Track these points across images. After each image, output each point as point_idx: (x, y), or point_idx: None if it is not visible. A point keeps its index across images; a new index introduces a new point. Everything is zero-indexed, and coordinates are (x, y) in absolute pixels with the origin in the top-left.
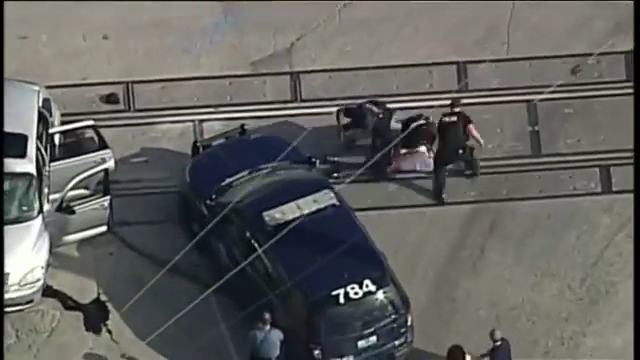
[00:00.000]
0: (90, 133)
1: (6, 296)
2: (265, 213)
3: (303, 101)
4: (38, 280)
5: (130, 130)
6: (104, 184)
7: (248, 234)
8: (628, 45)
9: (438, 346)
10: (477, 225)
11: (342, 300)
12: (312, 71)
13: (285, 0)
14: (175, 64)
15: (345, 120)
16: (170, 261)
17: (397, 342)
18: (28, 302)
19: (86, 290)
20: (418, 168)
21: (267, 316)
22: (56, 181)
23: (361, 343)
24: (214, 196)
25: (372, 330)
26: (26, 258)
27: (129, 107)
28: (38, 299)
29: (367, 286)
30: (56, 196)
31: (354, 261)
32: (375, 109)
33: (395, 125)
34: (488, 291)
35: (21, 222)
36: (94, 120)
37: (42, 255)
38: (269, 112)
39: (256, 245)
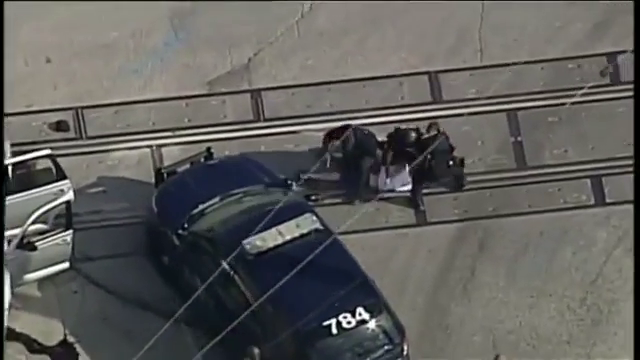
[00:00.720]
0: (46, 163)
1: None
2: (245, 241)
3: (267, 120)
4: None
5: (84, 159)
6: (66, 217)
7: (227, 265)
8: (609, 47)
9: None
10: (465, 245)
11: (335, 330)
12: (274, 88)
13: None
14: (126, 87)
15: (333, 142)
16: (139, 297)
17: None
18: None
19: (52, 332)
20: (400, 188)
21: (256, 351)
22: (12, 216)
23: None
24: (186, 225)
25: None
26: None
27: (81, 135)
28: None
29: (360, 314)
30: (14, 232)
31: (344, 288)
32: (361, 128)
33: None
34: (482, 315)
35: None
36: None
37: (5, 295)
38: (231, 134)
39: (236, 276)
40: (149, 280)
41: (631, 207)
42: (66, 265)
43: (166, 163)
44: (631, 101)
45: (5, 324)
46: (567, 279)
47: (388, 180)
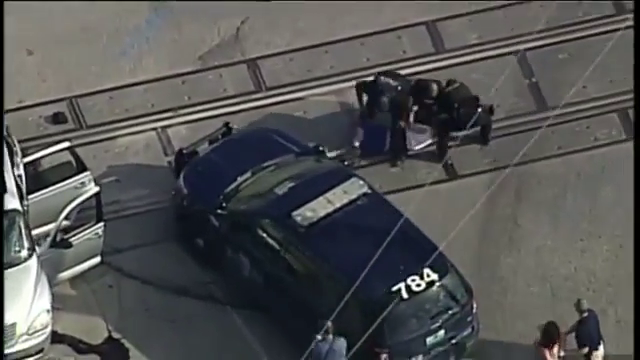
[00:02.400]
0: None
1: (15, 348)
2: (294, 213)
3: (269, 89)
4: (47, 326)
5: (89, 149)
6: (97, 209)
7: (278, 239)
8: None
9: (500, 332)
10: (501, 195)
11: (405, 295)
12: (269, 56)
13: None
14: (116, 70)
15: (364, 96)
16: (176, 283)
17: (465, 333)
18: (39, 351)
19: (95, 329)
20: (424, 144)
21: (329, 324)
22: (36, 215)
23: (430, 339)
24: (224, 204)
25: (440, 324)
26: (30, 303)
27: (81, 125)
28: (48, 347)
29: (428, 275)
30: (43, 230)
31: (407, 250)
32: (392, 82)
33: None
34: (534, 264)
35: (16, 265)
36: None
37: (45, 297)
38: (236, 107)
39: (289, 250)
40: (183, 265)
41: None
42: (98, 260)
43: (175, 144)
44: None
45: (50, 327)
46: (614, 218)
47: (413, 139)
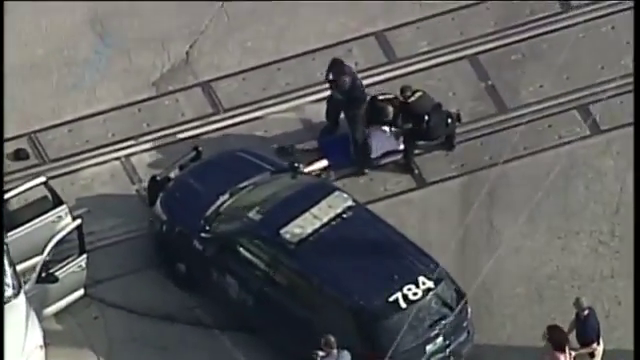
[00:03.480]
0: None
1: None
2: (282, 231)
3: (227, 110)
4: None
5: (55, 183)
6: (79, 242)
7: (268, 257)
8: None
9: (490, 336)
10: (474, 199)
11: (403, 304)
12: (222, 77)
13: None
14: (71, 103)
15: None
16: (162, 310)
17: (461, 338)
18: None
19: None
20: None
21: (332, 339)
22: (17, 251)
23: (429, 347)
24: (207, 227)
25: (438, 331)
26: (23, 341)
27: (43, 159)
28: None
29: (424, 283)
30: (23, 266)
31: (400, 260)
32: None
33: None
34: (516, 266)
35: (5, 303)
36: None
37: (37, 333)
38: (196, 130)
39: (280, 268)
40: (166, 291)
41: (629, 130)
42: (81, 292)
43: (140, 172)
44: (590, 24)
45: None
46: (589, 214)
47: (376, 146)
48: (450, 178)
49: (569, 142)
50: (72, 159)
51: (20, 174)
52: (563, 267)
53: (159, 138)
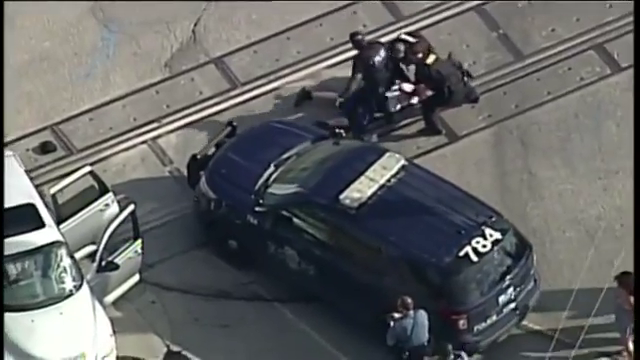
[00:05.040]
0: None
1: None
2: (341, 196)
3: (244, 84)
4: (112, 350)
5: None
6: (133, 227)
7: (329, 225)
8: None
9: (550, 282)
10: (508, 148)
11: (474, 258)
12: (233, 52)
13: None
14: (87, 92)
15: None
16: (218, 289)
17: (530, 287)
18: None
19: (152, 347)
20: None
21: (409, 300)
22: (71, 242)
23: (501, 298)
24: (261, 201)
25: (509, 281)
26: (93, 331)
27: (70, 150)
28: None
29: (491, 235)
30: (78, 256)
31: (463, 214)
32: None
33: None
34: (562, 210)
35: (69, 296)
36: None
37: (105, 322)
38: (217, 107)
39: (343, 234)
40: (219, 270)
41: None
42: (137, 277)
43: (170, 153)
44: None
45: (114, 351)
46: (624, 152)
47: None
48: (480, 129)
49: (592, 82)
50: (99, 147)
51: (50, 167)
52: (609, 207)
53: (182, 118)
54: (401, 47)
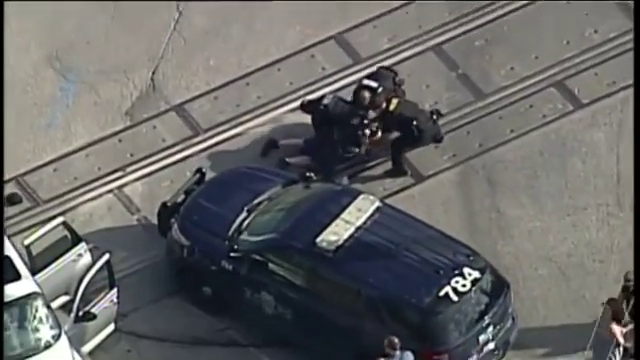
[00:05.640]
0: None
1: None
2: (318, 240)
3: (207, 131)
4: None
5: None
6: (109, 276)
7: (306, 268)
8: None
9: (527, 320)
10: (474, 187)
11: (454, 297)
12: (194, 98)
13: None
14: (49, 142)
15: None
16: (193, 336)
17: (508, 325)
18: None
19: None
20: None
21: (396, 340)
22: (45, 293)
23: (482, 337)
24: (235, 246)
25: (488, 320)
26: None
27: (37, 202)
28: None
29: (470, 274)
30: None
31: (440, 254)
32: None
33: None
34: (532, 248)
35: (47, 347)
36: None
37: None
38: (180, 154)
39: (321, 277)
40: (193, 317)
41: (611, 100)
42: (112, 327)
43: (137, 202)
44: (546, 2)
45: None
46: (591, 188)
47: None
48: (445, 169)
49: (554, 120)
50: (65, 197)
51: (18, 218)
52: (579, 243)
53: (146, 166)
54: (366, 94)
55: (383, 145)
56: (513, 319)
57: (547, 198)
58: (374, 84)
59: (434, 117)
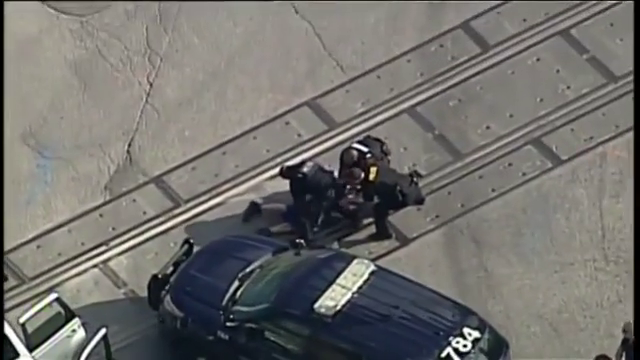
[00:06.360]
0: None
1: None
2: (316, 305)
3: (187, 202)
4: None
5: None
6: (106, 350)
7: (304, 335)
8: (455, 20)
9: None
10: (460, 247)
11: (456, 358)
12: (171, 170)
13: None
14: (30, 220)
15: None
16: None
17: None
18: None
19: None
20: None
21: None
22: None
23: None
24: (231, 316)
25: None
26: None
27: (22, 280)
28: None
29: (470, 334)
30: None
31: (439, 314)
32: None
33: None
34: (523, 306)
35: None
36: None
37: None
38: (164, 225)
39: (320, 343)
40: None
41: (589, 156)
42: None
43: (123, 276)
44: (514, 60)
45: None
46: (577, 244)
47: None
48: (429, 231)
49: (535, 177)
50: (51, 274)
51: (7, 295)
52: (569, 299)
53: (129, 239)
54: (354, 153)
55: (362, 213)
56: None
57: (534, 255)
58: (364, 149)
59: (414, 180)
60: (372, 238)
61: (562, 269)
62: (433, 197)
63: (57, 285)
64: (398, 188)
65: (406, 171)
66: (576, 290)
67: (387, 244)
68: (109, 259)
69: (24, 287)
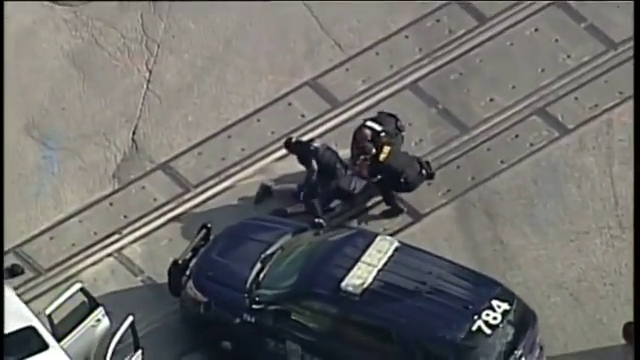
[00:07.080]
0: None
1: None
2: (343, 284)
3: (197, 186)
4: None
5: (59, 291)
6: (133, 339)
7: (333, 314)
8: None
9: (549, 349)
10: (474, 220)
11: (487, 331)
12: (178, 155)
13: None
14: (40, 211)
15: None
16: None
17: (537, 354)
18: None
19: None
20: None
21: None
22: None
23: None
24: (256, 298)
25: (521, 350)
26: None
27: (38, 271)
28: None
29: (499, 306)
30: None
31: (467, 288)
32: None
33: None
34: (541, 276)
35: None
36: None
37: None
38: (175, 211)
39: (350, 322)
40: None
41: (596, 123)
42: None
43: (138, 263)
44: (512, 31)
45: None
46: (590, 212)
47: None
48: (442, 205)
49: (542, 147)
50: (66, 264)
51: (24, 287)
52: (587, 268)
53: (142, 226)
54: (367, 132)
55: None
56: (541, 348)
57: (548, 225)
58: (377, 127)
59: (423, 173)
60: (384, 215)
61: (577, 238)
62: (443, 171)
63: (73, 275)
64: (404, 175)
65: (414, 149)
66: (593, 258)
67: (400, 220)
68: (123, 247)
69: (41, 279)
